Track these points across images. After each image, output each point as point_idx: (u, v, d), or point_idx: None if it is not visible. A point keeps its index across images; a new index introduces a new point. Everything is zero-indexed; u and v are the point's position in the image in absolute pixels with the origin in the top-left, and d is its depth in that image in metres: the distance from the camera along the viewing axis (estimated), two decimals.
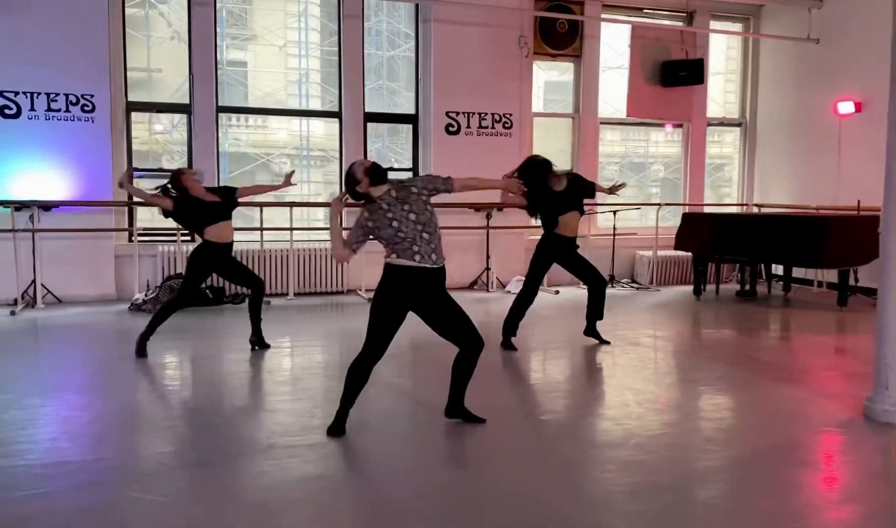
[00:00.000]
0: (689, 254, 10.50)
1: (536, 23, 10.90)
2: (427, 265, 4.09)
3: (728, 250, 9.80)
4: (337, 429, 4.26)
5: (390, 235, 4.04)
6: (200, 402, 5.21)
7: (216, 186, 6.85)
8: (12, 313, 8.18)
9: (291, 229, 9.69)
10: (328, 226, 4.57)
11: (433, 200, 4.16)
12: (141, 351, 6.18)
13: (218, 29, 9.97)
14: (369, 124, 10.51)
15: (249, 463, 3.86)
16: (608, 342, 6.89)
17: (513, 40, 10.63)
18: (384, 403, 4.98)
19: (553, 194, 6.53)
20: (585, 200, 6.85)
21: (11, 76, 8.76)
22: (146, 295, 8.71)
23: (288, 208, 9.70)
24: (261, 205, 9.67)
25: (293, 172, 6.78)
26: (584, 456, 4.05)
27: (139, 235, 9.48)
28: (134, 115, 9.73)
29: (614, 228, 10.91)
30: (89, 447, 4.16)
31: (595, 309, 6.84)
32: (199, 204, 6.18)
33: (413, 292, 4.11)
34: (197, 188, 6.22)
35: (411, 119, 10.74)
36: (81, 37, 8.95)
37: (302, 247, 9.96)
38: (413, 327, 4.43)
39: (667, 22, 11.69)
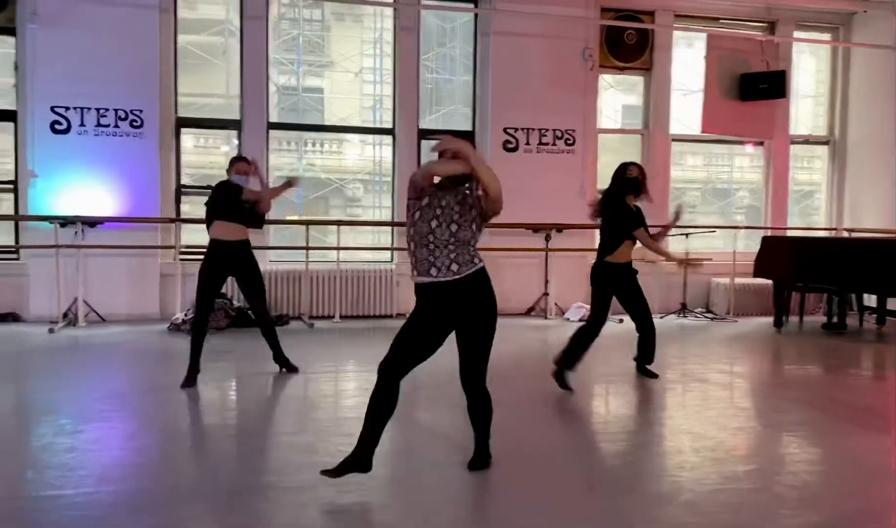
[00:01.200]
0: (770, 282, 9.55)
1: (603, 34, 10.27)
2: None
3: (814, 278, 8.84)
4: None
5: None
6: (226, 428, 4.77)
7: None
8: (51, 331, 8.01)
9: (338, 249, 9.30)
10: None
11: None
12: (188, 383, 5.70)
13: (296, 56, 10.06)
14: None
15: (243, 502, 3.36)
16: (657, 376, 6.14)
17: (577, 52, 10.02)
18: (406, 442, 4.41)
19: (630, 212, 5.80)
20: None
21: (62, 92, 8.69)
22: (185, 315, 8.42)
23: (335, 227, 9.34)
24: (307, 223, 9.34)
25: (297, 178, 6.46)
26: (617, 511, 3.38)
27: (181, 253, 9.22)
28: (185, 131, 9.57)
29: (687, 253, 10.08)
30: (121, 475, 3.78)
31: (645, 353, 6.13)
32: (237, 196, 5.83)
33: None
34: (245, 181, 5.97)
35: (468, 136, 10.23)
36: (131, 52, 8.84)
37: (349, 268, 9.54)
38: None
39: (746, 32, 10.86)
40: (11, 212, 8.98)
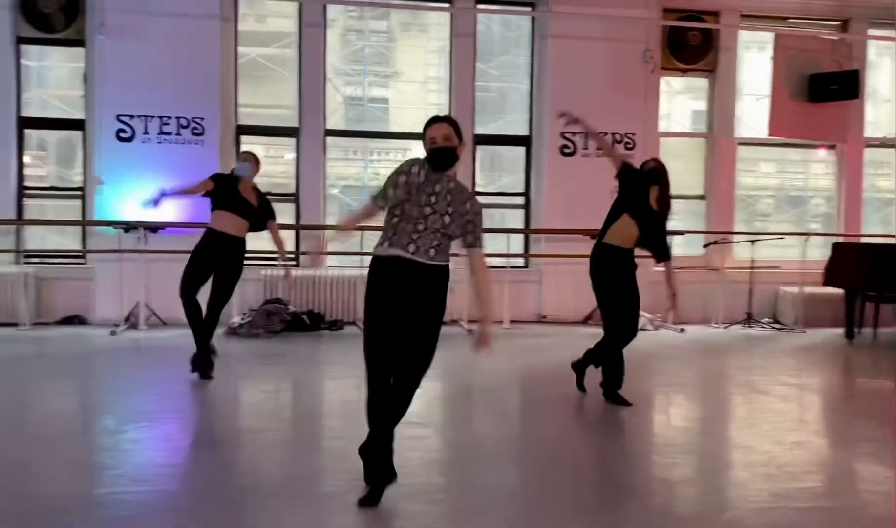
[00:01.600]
0: (841, 291, 9.09)
1: (665, 35, 10.01)
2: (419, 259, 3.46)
3: (887, 287, 8.39)
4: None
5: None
6: (266, 432, 4.79)
7: (265, 195, 6.42)
8: (112, 333, 8.23)
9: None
10: None
11: None
12: (199, 371, 5.94)
13: (361, 67, 10.22)
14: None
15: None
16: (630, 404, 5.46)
17: (637, 54, 9.78)
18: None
19: (648, 210, 5.42)
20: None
21: (128, 100, 8.94)
22: (242, 318, 8.54)
23: None
24: (361, 230, 9.35)
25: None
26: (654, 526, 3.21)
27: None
28: (245, 138, 9.74)
29: (752, 261, 9.71)
30: (153, 475, 3.83)
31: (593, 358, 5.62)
32: (234, 187, 6.02)
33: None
34: (246, 181, 6.09)
35: (524, 141, 10.11)
36: (193, 62, 9.02)
37: None
38: None
39: (816, 31, 10.42)
40: (79, 218, 9.28)
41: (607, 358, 5.48)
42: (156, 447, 4.38)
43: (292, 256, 6.33)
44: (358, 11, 10.16)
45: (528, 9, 9.97)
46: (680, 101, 10.87)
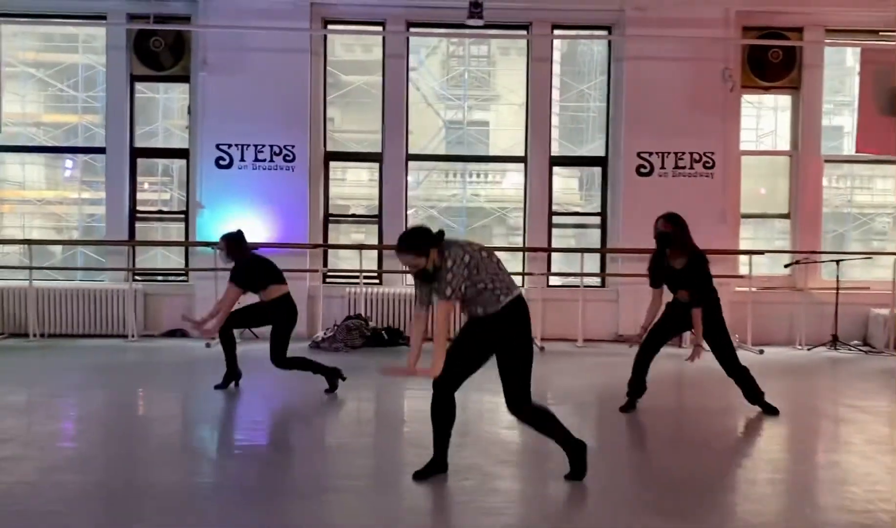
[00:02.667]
0: None
1: (744, 53, 9.93)
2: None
3: None
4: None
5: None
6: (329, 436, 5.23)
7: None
8: (207, 346, 8.90)
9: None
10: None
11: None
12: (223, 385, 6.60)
13: (461, 91, 10.83)
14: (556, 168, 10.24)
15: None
16: (777, 412, 5.83)
17: (716, 73, 9.74)
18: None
19: (669, 270, 5.80)
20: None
21: (226, 130, 9.70)
22: (325, 333, 9.06)
23: None
24: None
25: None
26: None
27: (326, 276, 9.93)
28: (333, 164, 10.36)
29: (837, 281, 9.46)
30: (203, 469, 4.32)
31: (750, 391, 5.88)
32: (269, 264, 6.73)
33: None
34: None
35: (601, 161, 10.25)
36: (285, 93, 9.69)
37: None
38: None
39: None
40: (182, 238, 10.11)
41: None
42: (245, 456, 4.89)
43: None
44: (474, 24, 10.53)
45: (605, 33, 10.13)
46: (765, 118, 10.73)
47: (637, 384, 5.95)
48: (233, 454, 4.90)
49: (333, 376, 6.48)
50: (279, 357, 6.35)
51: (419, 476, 4.05)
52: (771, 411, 5.81)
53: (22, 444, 4.92)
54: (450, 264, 3.86)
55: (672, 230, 5.70)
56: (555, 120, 10.74)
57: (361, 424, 6.04)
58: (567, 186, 11.30)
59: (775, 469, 4.67)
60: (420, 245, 3.88)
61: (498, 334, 3.99)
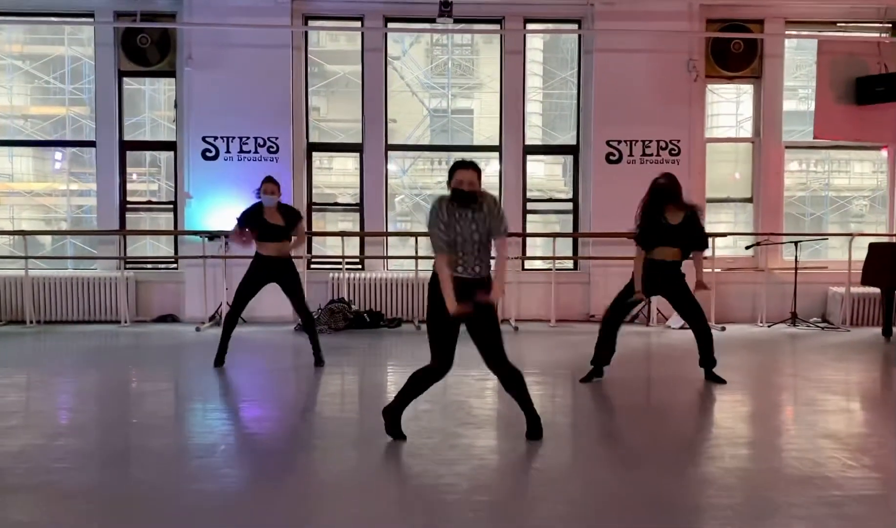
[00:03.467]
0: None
1: (708, 45, 10.39)
2: (467, 276, 4.33)
3: None
4: (395, 433, 4.52)
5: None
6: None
7: (287, 205, 7.22)
8: (197, 329, 9.36)
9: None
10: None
11: None
12: (217, 363, 6.94)
13: (445, 80, 11.03)
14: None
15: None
16: (725, 381, 6.27)
17: (681, 64, 10.20)
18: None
19: (665, 226, 6.15)
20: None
21: (212, 123, 10.10)
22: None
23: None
24: (416, 234, 10.19)
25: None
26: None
27: (311, 262, 10.37)
28: (315, 154, 10.77)
29: (796, 261, 9.95)
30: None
31: (706, 354, 6.31)
32: (262, 220, 6.81)
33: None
34: (271, 208, 6.85)
35: (573, 150, 10.70)
36: (268, 87, 10.08)
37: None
38: None
39: (863, 35, 10.55)
40: (171, 228, 10.51)
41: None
42: (232, 420, 5.34)
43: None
44: (443, 24, 10.90)
45: (575, 26, 10.56)
46: (728, 107, 11.20)
47: (604, 353, 6.32)
48: (220, 420, 5.33)
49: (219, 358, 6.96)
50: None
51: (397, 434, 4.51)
52: (718, 380, 6.25)
53: (25, 416, 5.36)
54: (495, 205, 4.39)
55: (674, 184, 6.07)
56: (538, 107, 11.18)
57: (345, 396, 6.47)
58: (551, 172, 11.75)
59: (726, 428, 5.16)
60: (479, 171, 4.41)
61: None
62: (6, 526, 3.23)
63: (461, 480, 3.83)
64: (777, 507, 3.51)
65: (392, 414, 4.53)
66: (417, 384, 4.48)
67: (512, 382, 4.49)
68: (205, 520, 3.35)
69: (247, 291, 6.97)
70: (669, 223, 6.15)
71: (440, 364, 4.40)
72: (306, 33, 10.49)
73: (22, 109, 11.36)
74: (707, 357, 6.32)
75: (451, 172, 4.43)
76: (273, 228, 6.84)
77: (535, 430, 4.51)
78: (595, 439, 4.88)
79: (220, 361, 6.95)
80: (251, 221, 6.86)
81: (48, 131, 11.05)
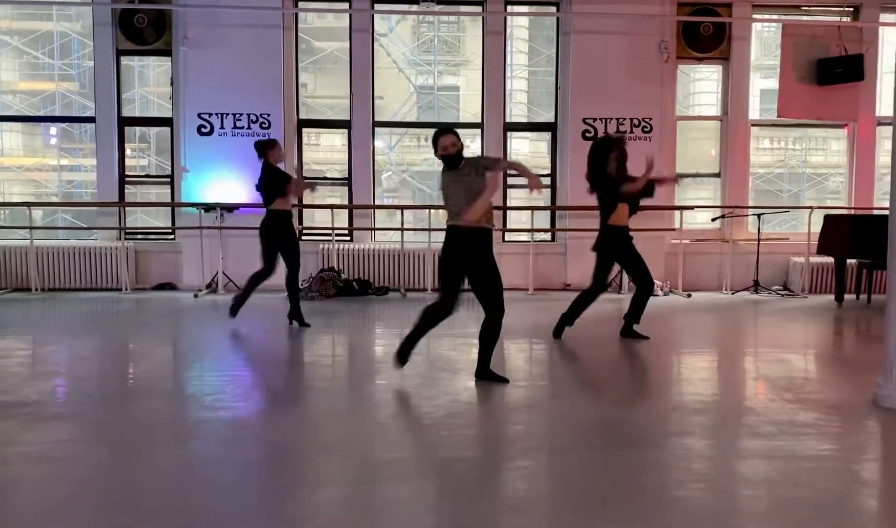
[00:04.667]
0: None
1: (679, 27, 10.95)
2: (458, 223, 4.92)
3: (869, 254, 9.23)
4: (401, 356, 5.19)
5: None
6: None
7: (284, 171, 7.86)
8: (195, 296, 9.91)
9: (430, 230, 10.64)
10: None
11: None
12: (232, 312, 7.57)
13: (432, 57, 11.51)
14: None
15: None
16: (647, 337, 6.83)
17: (653, 46, 10.77)
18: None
19: (609, 181, 6.61)
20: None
21: (207, 100, 10.59)
22: (301, 284, 10.03)
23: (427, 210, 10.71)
24: (402, 208, 10.76)
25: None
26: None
27: (303, 232, 10.93)
28: (305, 130, 11.28)
29: (759, 233, 10.59)
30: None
31: (635, 311, 6.86)
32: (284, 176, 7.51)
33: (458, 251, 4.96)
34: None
35: (550, 127, 11.27)
36: (261, 65, 10.57)
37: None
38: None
39: (829, 18, 11.15)
40: (168, 200, 11.03)
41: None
42: (237, 369, 5.92)
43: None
44: (426, 6, 11.39)
45: (553, 9, 11.09)
46: (701, 86, 11.79)
47: (573, 316, 6.87)
48: (225, 370, 5.91)
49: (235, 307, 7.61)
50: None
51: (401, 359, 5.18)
52: (641, 337, 6.82)
53: (51, 365, 5.94)
54: (477, 160, 5.05)
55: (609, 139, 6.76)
56: (523, 84, 11.70)
57: (336, 349, 7.05)
58: (536, 149, 12.28)
59: (685, 373, 5.81)
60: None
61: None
62: (54, 444, 3.81)
63: (437, 410, 4.45)
64: (706, 429, 4.15)
65: (406, 341, 5.18)
66: (427, 319, 5.13)
67: (490, 331, 5.05)
68: (218, 440, 3.94)
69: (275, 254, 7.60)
70: (612, 178, 6.63)
71: (446, 304, 5.04)
72: (296, 13, 10.97)
73: (11, 84, 11.74)
74: (633, 316, 6.88)
75: (434, 141, 5.02)
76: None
77: (482, 371, 5.12)
78: (561, 381, 5.51)
79: (235, 311, 7.56)
80: (281, 176, 7.55)
81: (37, 107, 11.44)
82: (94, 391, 4.98)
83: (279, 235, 7.47)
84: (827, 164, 12.38)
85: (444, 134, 5.00)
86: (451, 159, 4.95)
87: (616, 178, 6.62)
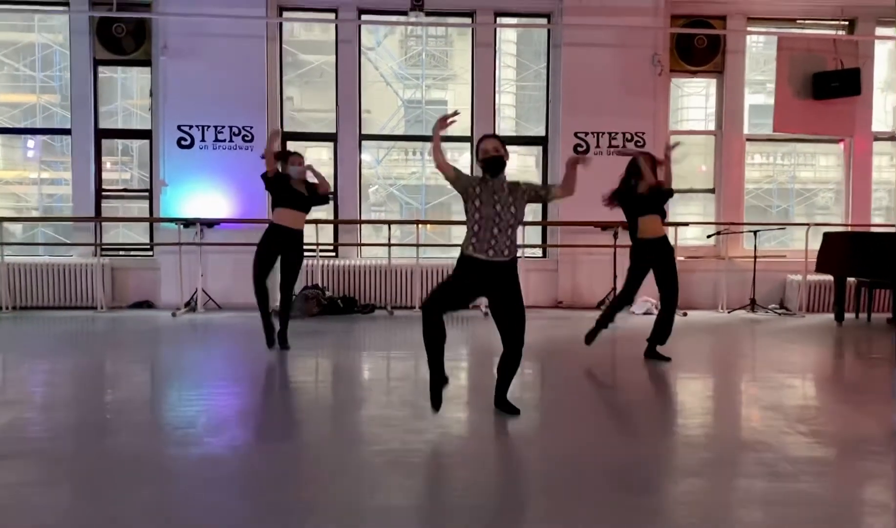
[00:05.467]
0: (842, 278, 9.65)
1: (673, 39, 10.73)
2: (497, 259, 4.48)
3: (869, 273, 8.99)
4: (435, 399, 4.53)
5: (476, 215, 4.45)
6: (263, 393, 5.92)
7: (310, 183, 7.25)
8: (173, 315, 9.52)
9: (417, 245, 10.32)
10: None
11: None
12: (274, 342, 7.03)
13: (419, 71, 11.25)
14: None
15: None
16: (669, 359, 6.62)
17: (646, 59, 10.54)
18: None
19: (635, 196, 6.58)
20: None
21: (187, 112, 10.24)
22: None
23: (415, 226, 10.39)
24: (388, 223, 10.44)
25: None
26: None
27: None
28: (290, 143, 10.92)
29: (755, 250, 10.34)
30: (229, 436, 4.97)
31: (660, 333, 6.67)
32: (287, 184, 6.92)
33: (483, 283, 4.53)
34: (299, 172, 6.96)
35: (541, 141, 11.00)
36: (243, 76, 10.25)
37: (428, 264, 10.54)
38: None
39: (822, 32, 10.96)
40: (147, 215, 10.65)
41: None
42: (212, 397, 5.56)
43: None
44: (415, 17, 11.15)
45: (545, 21, 10.85)
46: (692, 100, 11.57)
47: (607, 320, 6.78)
48: (199, 398, 5.54)
49: (277, 336, 7.05)
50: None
51: (436, 404, 4.50)
52: (663, 359, 6.62)
53: (12, 392, 5.54)
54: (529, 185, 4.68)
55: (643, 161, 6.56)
56: (511, 99, 11.45)
57: (319, 374, 6.70)
58: (524, 164, 12.00)
59: (688, 401, 5.50)
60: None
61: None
62: (4, 489, 3.43)
63: (426, 446, 4.11)
64: (718, 469, 3.83)
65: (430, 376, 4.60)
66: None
67: (510, 363, 4.68)
68: (190, 480, 3.58)
69: (264, 265, 7.01)
70: (638, 193, 6.56)
71: (430, 304, 4.41)
72: (280, 24, 10.66)
73: None
74: (660, 338, 6.68)
75: (478, 145, 4.66)
76: (297, 196, 6.92)
77: (500, 402, 4.75)
78: (555, 412, 5.17)
79: (271, 341, 7.02)
80: (278, 181, 6.93)
81: (18, 119, 11.08)
82: (58, 424, 4.60)
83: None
84: (816, 179, 12.19)
85: (488, 138, 4.65)
86: (494, 162, 4.50)
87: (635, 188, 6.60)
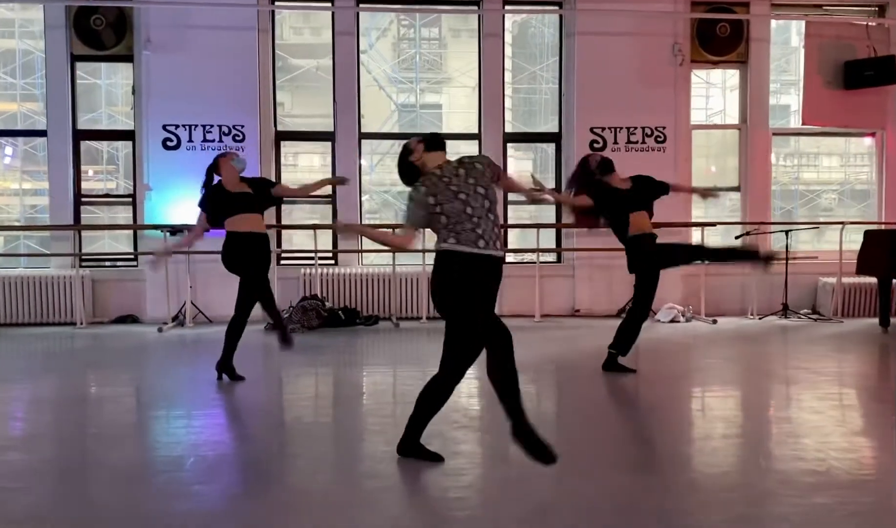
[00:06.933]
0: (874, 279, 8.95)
1: (693, 28, 10.03)
2: (493, 253, 3.55)
3: None
4: (406, 450, 3.77)
5: (457, 210, 3.52)
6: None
7: (253, 177, 6.30)
8: (160, 330, 8.73)
9: (423, 251, 9.56)
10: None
11: None
12: (223, 371, 5.94)
13: (413, 74, 10.66)
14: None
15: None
16: (634, 371, 5.96)
17: (666, 48, 9.84)
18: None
19: (617, 192, 5.95)
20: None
21: (173, 111, 9.47)
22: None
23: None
24: (392, 226, 9.66)
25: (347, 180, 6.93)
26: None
27: (281, 257, 9.81)
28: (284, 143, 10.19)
29: (787, 251, 9.62)
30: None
31: (622, 341, 5.99)
32: (225, 195, 5.86)
33: (478, 282, 3.53)
34: (230, 177, 5.90)
35: (554, 138, 10.27)
36: (233, 72, 9.49)
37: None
38: None
39: (852, 17, 10.29)
40: (130, 222, 9.85)
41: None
42: (201, 429, 4.77)
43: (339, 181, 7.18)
44: (408, 20, 10.50)
45: (556, 8, 10.13)
46: (715, 92, 10.88)
47: (624, 346, 5.99)
48: (187, 429, 4.77)
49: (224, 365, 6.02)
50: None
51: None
52: (626, 370, 5.94)
53: None
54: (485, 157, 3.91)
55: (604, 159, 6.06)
56: (507, 102, 10.76)
57: (319, 399, 5.95)
58: (520, 167, 11.30)
59: (729, 425, 4.74)
60: None
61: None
62: None
63: (470, 492, 3.34)
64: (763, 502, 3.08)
65: (406, 441, 3.80)
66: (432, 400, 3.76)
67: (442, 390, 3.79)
68: None
69: (250, 290, 5.99)
70: (621, 190, 6.01)
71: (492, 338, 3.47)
72: (273, 14, 9.91)
73: None
74: (621, 347, 6.00)
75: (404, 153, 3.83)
76: (242, 198, 5.85)
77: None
78: (565, 437, 4.41)
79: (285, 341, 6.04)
80: (216, 199, 5.89)
81: None
82: (19, 466, 3.82)
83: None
84: (819, 180, 11.52)
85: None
86: (434, 137, 3.82)
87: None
